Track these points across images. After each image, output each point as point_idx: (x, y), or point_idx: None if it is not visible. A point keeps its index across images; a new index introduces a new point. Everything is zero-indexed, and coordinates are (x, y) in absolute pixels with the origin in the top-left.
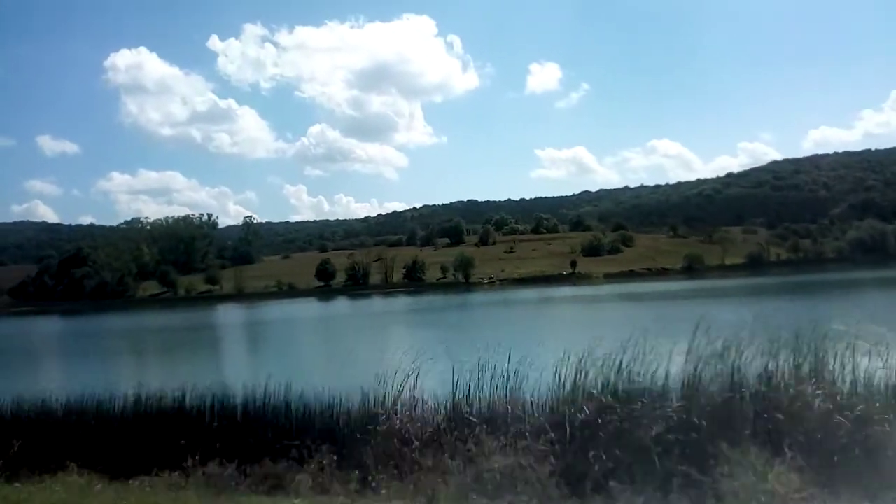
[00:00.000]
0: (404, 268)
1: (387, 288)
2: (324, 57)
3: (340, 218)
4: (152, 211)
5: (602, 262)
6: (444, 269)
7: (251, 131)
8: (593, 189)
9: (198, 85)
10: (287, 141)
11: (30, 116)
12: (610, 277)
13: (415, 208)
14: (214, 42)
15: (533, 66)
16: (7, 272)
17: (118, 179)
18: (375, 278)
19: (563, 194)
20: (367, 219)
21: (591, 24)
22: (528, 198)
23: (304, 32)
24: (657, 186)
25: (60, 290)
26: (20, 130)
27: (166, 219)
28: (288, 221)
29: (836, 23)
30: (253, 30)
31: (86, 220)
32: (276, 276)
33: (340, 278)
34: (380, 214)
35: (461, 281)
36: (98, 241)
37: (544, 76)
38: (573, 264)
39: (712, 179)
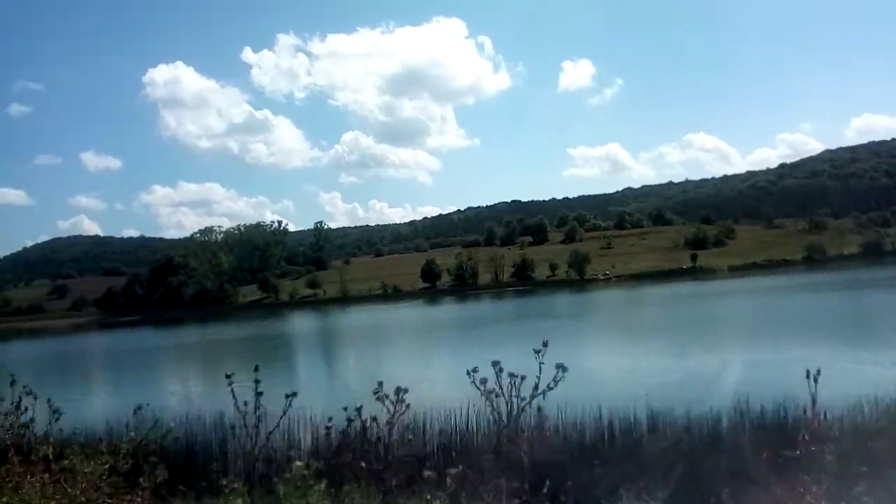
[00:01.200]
0: (513, 266)
1: (497, 287)
2: (355, 64)
3: (376, 224)
4: (193, 222)
5: (716, 256)
6: (553, 267)
7: (287, 141)
8: (635, 186)
9: (234, 97)
10: (322, 149)
11: (74, 134)
12: (734, 270)
13: (459, 210)
14: (248, 54)
15: (565, 64)
16: (79, 284)
17: (159, 192)
18: (484, 278)
19: (605, 192)
20: (413, 222)
21: (623, 18)
22: (571, 196)
23: (335, 40)
24: (703, 180)
25: (156, 298)
26: (65, 148)
27: (238, 227)
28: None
29: (872, 9)
30: (286, 40)
31: (129, 233)
32: (361, 280)
33: (443, 278)
34: (425, 218)
35: (574, 278)
36: (179, 251)
37: (577, 73)
38: (693, 258)
39: (763, 171)
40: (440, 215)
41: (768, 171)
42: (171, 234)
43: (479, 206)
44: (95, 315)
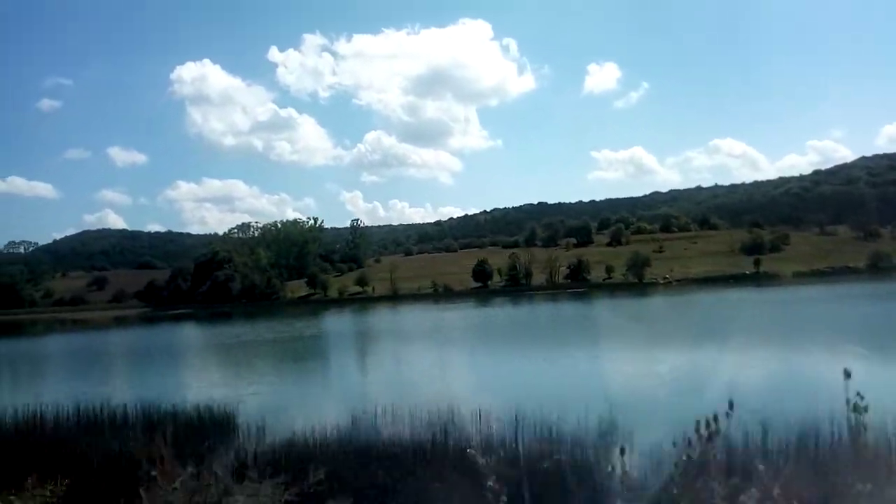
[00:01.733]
0: (568, 267)
1: (552, 289)
2: (381, 64)
3: (398, 223)
4: (216, 218)
5: (777, 261)
6: (608, 269)
7: (310, 139)
8: (662, 190)
9: (259, 95)
10: (345, 148)
11: (102, 129)
12: (799, 277)
13: (485, 211)
14: (274, 53)
15: (591, 67)
16: (116, 276)
17: (184, 188)
18: (537, 279)
19: (632, 195)
20: (439, 222)
21: (650, 22)
22: (598, 199)
23: (361, 40)
24: (733, 185)
25: (201, 292)
26: (93, 142)
27: (275, 223)
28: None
29: None
30: (312, 39)
31: (152, 227)
32: (405, 279)
33: (494, 278)
34: (451, 218)
35: (632, 281)
36: (222, 246)
37: (602, 76)
38: (756, 263)
39: (796, 178)
40: (466, 216)
41: (802, 177)
42: (195, 229)
43: (505, 208)
44: (137, 307)
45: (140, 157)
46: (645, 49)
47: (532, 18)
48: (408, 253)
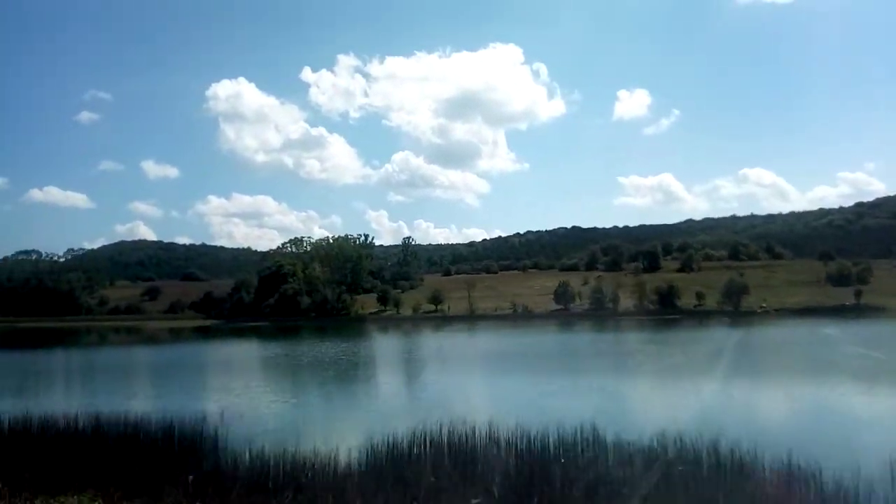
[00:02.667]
0: (657, 293)
1: (640, 314)
2: (412, 86)
3: (427, 243)
4: (242, 233)
5: (872, 294)
6: (699, 296)
7: (340, 158)
8: (696, 217)
9: (292, 114)
10: (373, 167)
11: (137, 142)
12: None
13: (519, 234)
14: (308, 73)
15: (621, 93)
16: (164, 287)
17: (214, 203)
18: (624, 304)
19: (663, 222)
20: (472, 243)
21: (682, 49)
22: (631, 224)
23: (394, 62)
24: (770, 216)
25: (267, 305)
26: (128, 155)
27: (325, 238)
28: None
29: None
30: (346, 60)
31: (181, 240)
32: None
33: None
34: (485, 240)
35: (727, 309)
36: (282, 260)
37: (633, 102)
38: (858, 294)
39: (837, 210)
40: (500, 237)
41: (843, 209)
42: (223, 243)
43: (538, 231)
44: (194, 318)
45: (172, 171)
46: (677, 76)
47: (563, 44)
48: (446, 273)
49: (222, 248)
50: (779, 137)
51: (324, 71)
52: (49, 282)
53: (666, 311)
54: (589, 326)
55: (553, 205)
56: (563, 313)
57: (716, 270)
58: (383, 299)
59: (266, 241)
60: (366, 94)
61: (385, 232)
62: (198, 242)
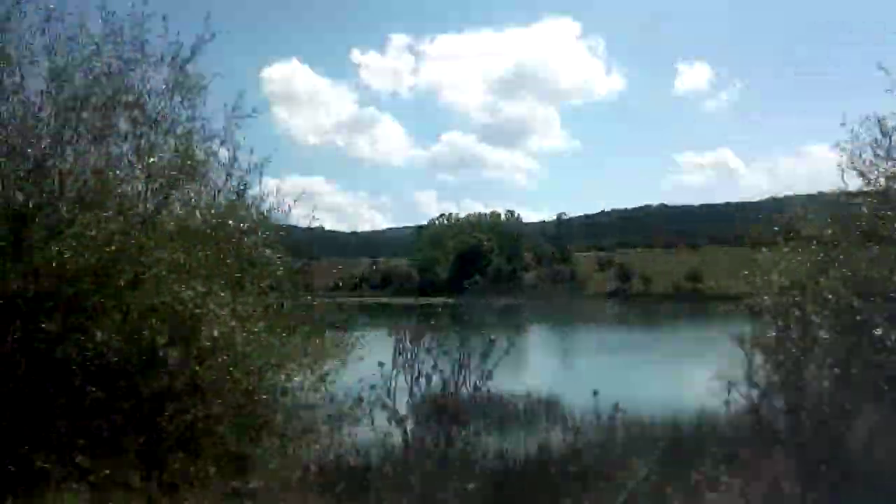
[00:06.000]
0: None
1: None
2: (463, 64)
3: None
4: (293, 214)
5: None
6: None
7: (390, 138)
8: (751, 197)
9: (343, 94)
10: (423, 147)
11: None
12: None
13: (604, 211)
14: (358, 54)
15: (681, 66)
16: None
17: (267, 184)
18: None
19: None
20: (560, 221)
21: (746, 19)
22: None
23: (445, 40)
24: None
25: (475, 283)
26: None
27: (468, 216)
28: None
29: None
30: (398, 39)
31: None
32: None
33: None
34: (544, 221)
35: None
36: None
37: (693, 76)
38: None
39: None
40: (587, 216)
41: None
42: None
43: (625, 209)
44: (374, 295)
45: (225, 153)
46: (740, 48)
47: (621, 15)
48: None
49: (294, 226)
50: (845, 112)
51: (375, 51)
52: None
53: None
54: None
55: (602, 183)
56: None
57: None
58: (624, 275)
59: (317, 222)
60: (417, 73)
61: (432, 212)
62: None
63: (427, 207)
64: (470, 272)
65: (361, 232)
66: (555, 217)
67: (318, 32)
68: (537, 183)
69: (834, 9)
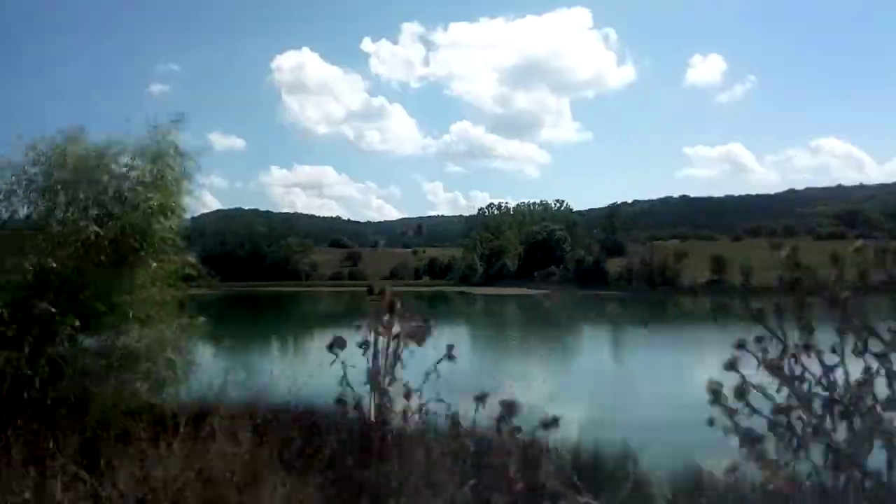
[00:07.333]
0: None
1: None
2: (475, 54)
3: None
4: (303, 203)
5: None
6: None
7: (400, 129)
8: (760, 191)
9: (354, 84)
10: (433, 137)
11: (205, 115)
12: None
13: (626, 203)
14: (368, 43)
15: (694, 59)
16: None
17: (276, 174)
18: None
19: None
20: (581, 213)
21: (760, 11)
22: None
23: (458, 29)
24: (862, 186)
25: (547, 273)
26: (196, 127)
27: (519, 205)
28: (431, 216)
29: None
30: (410, 28)
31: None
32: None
33: None
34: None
35: None
36: (552, 225)
37: (706, 68)
38: None
39: None
40: (612, 205)
41: None
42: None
43: (648, 200)
44: (428, 284)
45: (238, 142)
46: (754, 40)
47: (634, 6)
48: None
49: (310, 216)
50: (857, 106)
51: (385, 40)
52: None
53: None
54: None
55: (612, 176)
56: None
57: None
58: (719, 266)
59: (326, 210)
60: (428, 63)
61: (441, 202)
62: (269, 210)
63: (434, 197)
64: (542, 262)
65: (372, 221)
66: (607, 206)
67: (330, 21)
68: (550, 171)
69: (850, 2)
